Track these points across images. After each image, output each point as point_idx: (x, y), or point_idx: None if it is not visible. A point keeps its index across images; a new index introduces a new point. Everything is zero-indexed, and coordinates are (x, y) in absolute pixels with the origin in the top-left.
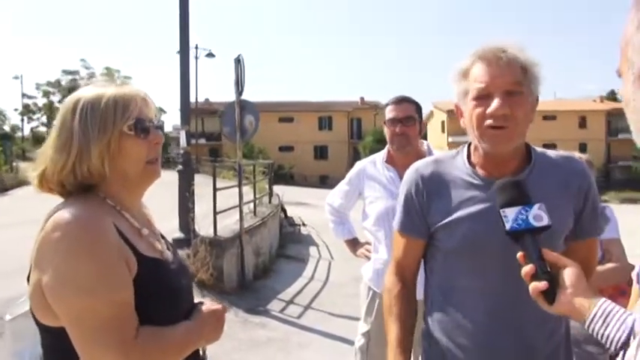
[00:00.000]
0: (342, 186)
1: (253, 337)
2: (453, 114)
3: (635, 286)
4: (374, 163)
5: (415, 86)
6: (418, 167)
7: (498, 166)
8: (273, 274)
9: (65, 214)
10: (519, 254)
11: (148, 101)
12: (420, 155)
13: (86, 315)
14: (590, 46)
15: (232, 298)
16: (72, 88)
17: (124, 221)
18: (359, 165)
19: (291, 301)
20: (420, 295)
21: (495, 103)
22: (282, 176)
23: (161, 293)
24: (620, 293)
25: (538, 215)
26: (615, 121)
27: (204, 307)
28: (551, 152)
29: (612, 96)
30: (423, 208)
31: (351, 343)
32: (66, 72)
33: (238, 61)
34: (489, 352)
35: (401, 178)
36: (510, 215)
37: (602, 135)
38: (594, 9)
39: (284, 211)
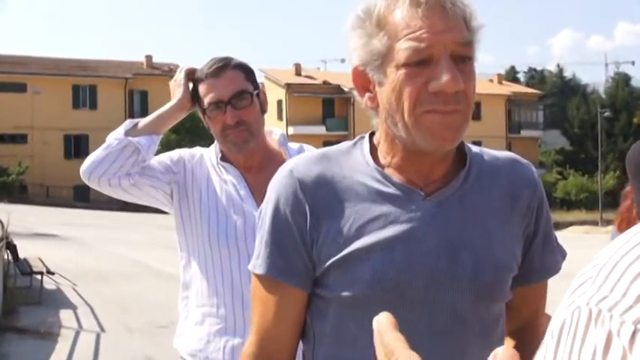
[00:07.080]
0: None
1: None
2: (295, 90)
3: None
4: (200, 159)
5: (233, 46)
6: (294, 169)
7: (424, 169)
8: None
9: None
10: None
11: None
12: (271, 150)
13: None
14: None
15: None
16: None
17: None
18: (178, 153)
19: None
20: None
21: (446, 73)
22: (5, 187)
23: None
24: None
25: None
26: (517, 111)
27: None
28: (487, 151)
29: (514, 74)
30: (305, 237)
31: None
32: None
33: None
34: None
35: (247, 183)
36: None
37: (501, 131)
38: None
39: (11, 249)
